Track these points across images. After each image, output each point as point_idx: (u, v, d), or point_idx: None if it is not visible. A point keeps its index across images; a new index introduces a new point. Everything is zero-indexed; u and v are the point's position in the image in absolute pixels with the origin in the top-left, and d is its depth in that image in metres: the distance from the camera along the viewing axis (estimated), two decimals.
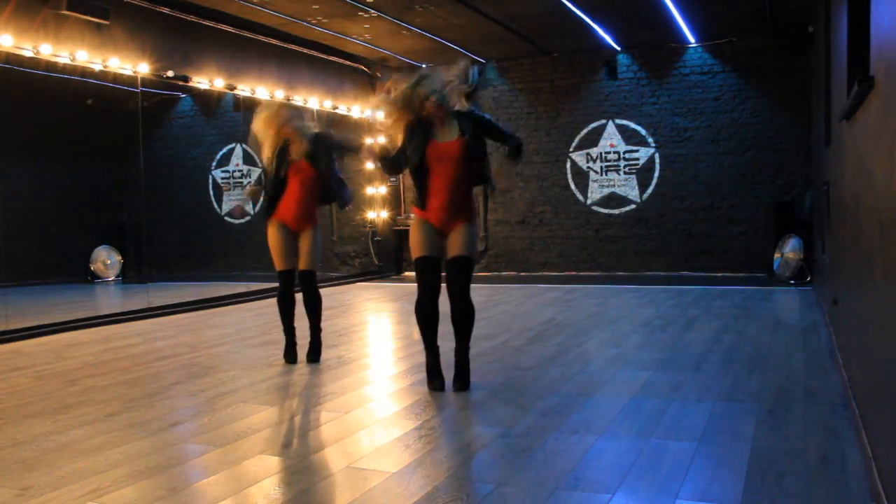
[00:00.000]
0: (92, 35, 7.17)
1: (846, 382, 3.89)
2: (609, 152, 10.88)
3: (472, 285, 4.27)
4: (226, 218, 12.10)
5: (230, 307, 8.47)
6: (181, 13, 8.03)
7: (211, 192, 12.21)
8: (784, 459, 2.92)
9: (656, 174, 10.63)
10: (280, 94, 9.44)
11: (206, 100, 11.86)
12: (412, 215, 4.31)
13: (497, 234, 11.51)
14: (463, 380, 4.18)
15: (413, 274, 4.64)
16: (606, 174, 10.90)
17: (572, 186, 11.08)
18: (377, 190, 11.74)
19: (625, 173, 10.80)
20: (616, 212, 10.87)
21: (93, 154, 11.66)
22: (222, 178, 12.14)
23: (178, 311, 7.97)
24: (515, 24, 9.35)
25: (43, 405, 4.09)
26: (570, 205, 11.10)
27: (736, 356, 4.92)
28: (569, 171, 11.09)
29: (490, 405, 3.86)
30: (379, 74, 11.47)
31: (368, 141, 11.57)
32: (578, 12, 8.84)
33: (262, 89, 9.31)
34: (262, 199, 5.16)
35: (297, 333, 5.17)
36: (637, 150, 10.73)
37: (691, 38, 10.16)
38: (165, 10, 7.86)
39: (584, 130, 10.99)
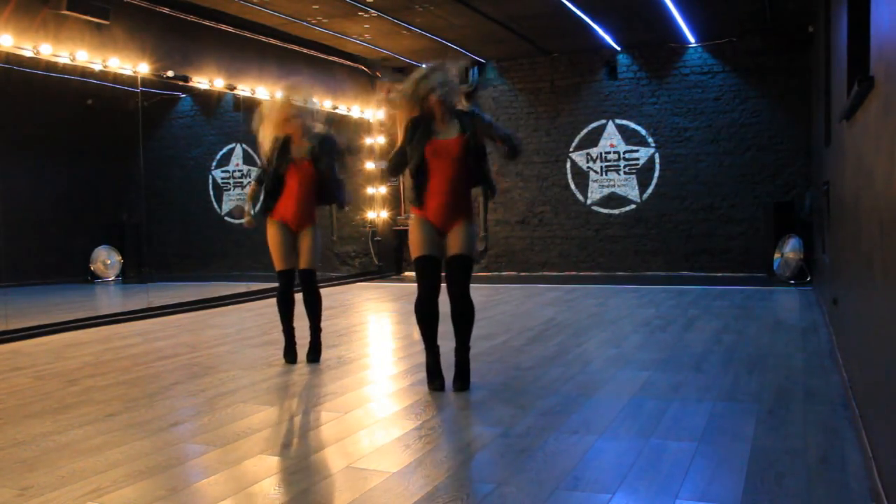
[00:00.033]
0: (92, 35, 7.17)
1: (846, 382, 3.89)
2: (609, 152, 10.88)
3: (472, 285, 4.27)
4: (226, 218, 12.10)
5: (230, 307, 8.47)
6: (181, 13, 8.03)
7: (211, 192, 12.21)
8: (784, 459, 2.92)
9: (656, 174, 10.63)
10: (280, 95, 9.42)
11: (206, 100, 11.86)
12: (412, 215, 4.30)
13: (497, 234, 11.51)
14: (463, 380, 4.18)
15: (413, 274, 4.63)
16: (606, 174, 10.90)
17: (572, 186, 11.08)
18: (377, 190, 11.74)
19: (625, 173, 10.80)
20: (616, 212, 10.87)
21: (93, 154, 11.66)
22: (222, 178, 12.14)
23: (178, 311, 7.97)
24: (515, 24, 9.35)
25: (43, 405, 4.09)
26: (570, 205, 11.10)
27: (736, 356, 4.92)
28: (569, 171, 11.09)
29: (490, 405, 3.86)
30: (379, 74, 11.47)
31: (368, 141, 11.62)
32: (578, 12, 8.84)
33: (262, 89, 9.31)
34: (260, 195, 5.12)
35: (297, 333, 5.17)
36: (637, 150, 10.73)
37: (691, 38, 10.17)
38: (165, 10, 7.86)
39: (584, 130, 10.99)
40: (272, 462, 3.07)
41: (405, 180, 11.76)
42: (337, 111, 10.82)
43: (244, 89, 9.19)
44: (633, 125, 10.73)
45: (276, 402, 4.11)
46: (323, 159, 5.03)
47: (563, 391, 4.09)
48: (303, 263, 5.09)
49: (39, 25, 6.73)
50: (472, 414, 3.78)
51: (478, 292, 4.34)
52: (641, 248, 10.73)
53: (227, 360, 5.30)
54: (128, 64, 7.60)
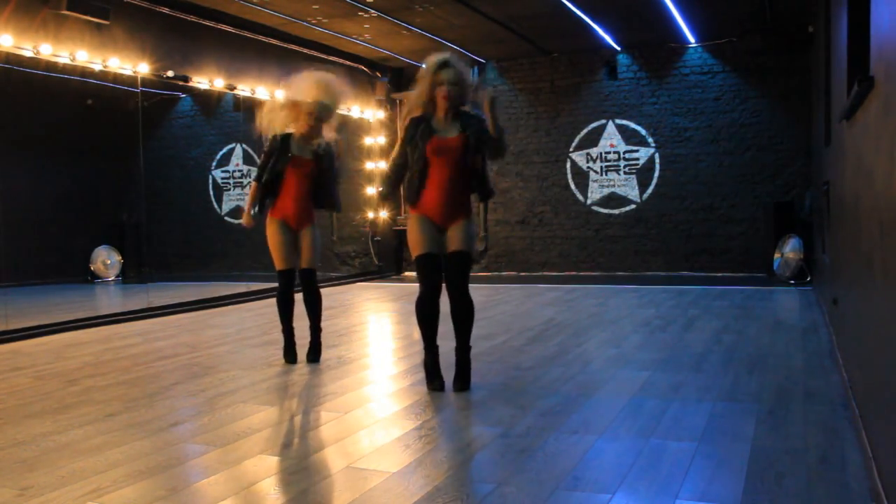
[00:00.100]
0: (92, 35, 7.17)
1: (846, 382, 3.89)
2: (609, 152, 10.89)
3: (473, 285, 4.27)
4: (226, 218, 12.11)
5: (230, 307, 8.47)
6: (181, 13, 8.02)
7: (211, 192, 12.21)
8: (784, 459, 2.91)
9: (656, 174, 10.63)
10: (280, 94, 9.43)
11: (206, 100, 11.86)
12: (410, 213, 4.27)
13: (497, 234, 11.52)
14: (463, 380, 4.18)
15: (413, 273, 4.63)
16: (606, 174, 10.90)
17: (572, 186, 11.08)
18: (377, 190, 11.73)
19: (625, 173, 10.80)
20: (616, 212, 10.87)
21: (93, 154, 11.66)
22: (222, 178, 12.14)
23: (178, 311, 7.97)
24: (515, 24, 9.35)
25: (43, 405, 4.09)
26: (570, 205, 11.10)
27: (736, 356, 4.92)
28: (569, 171, 11.09)
29: (490, 405, 3.86)
30: (379, 74, 11.47)
31: (368, 141, 11.62)
32: (578, 12, 8.84)
33: (262, 89, 9.32)
34: (258, 192, 5.03)
35: (297, 333, 5.16)
36: (637, 150, 10.73)
37: (691, 38, 10.17)
38: (165, 10, 7.86)
39: (584, 130, 10.99)
40: (272, 462, 3.07)
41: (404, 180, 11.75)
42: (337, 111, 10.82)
43: (244, 89, 9.19)
44: (633, 125, 10.73)
45: (276, 402, 4.11)
46: (325, 160, 5.04)
47: (563, 391, 4.09)
48: (303, 263, 5.08)
49: (39, 25, 6.74)
50: (472, 414, 3.78)
51: (478, 292, 4.34)
52: (641, 248, 10.73)
53: (227, 360, 5.30)
54: (128, 64, 7.60)
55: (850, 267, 3.84)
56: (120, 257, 11.95)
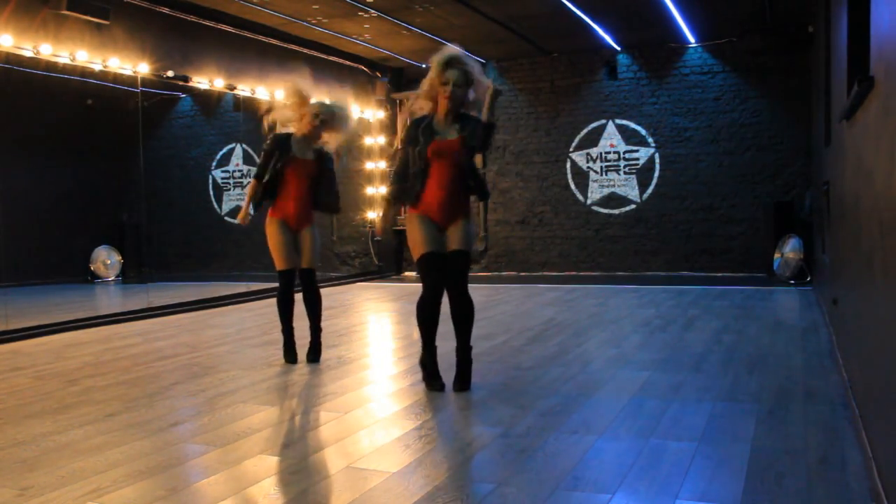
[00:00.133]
0: (92, 35, 7.17)
1: (846, 382, 3.89)
2: (609, 152, 10.89)
3: (473, 285, 4.27)
4: (226, 218, 12.11)
5: (230, 307, 8.47)
6: (181, 13, 8.03)
7: (211, 192, 12.21)
8: (784, 459, 2.91)
9: (656, 174, 10.63)
10: (280, 95, 9.44)
11: (206, 100, 11.87)
12: (409, 213, 4.26)
13: (497, 234, 11.52)
14: (464, 380, 4.17)
15: (413, 273, 4.63)
16: (606, 174, 10.90)
17: (572, 186, 11.08)
18: (377, 190, 11.74)
19: (625, 173, 10.80)
20: (616, 212, 10.87)
21: (93, 154, 11.66)
22: (222, 178, 12.14)
23: (178, 311, 7.97)
24: (515, 24, 9.35)
25: (43, 405, 4.09)
26: (570, 205, 11.10)
27: (736, 356, 4.92)
28: (569, 171, 11.09)
29: (490, 405, 3.86)
30: (379, 74, 11.48)
31: (368, 141, 11.62)
32: (578, 12, 8.84)
33: (262, 89, 9.32)
34: (260, 193, 5.02)
35: (297, 333, 5.16)
36: (637, 150, 10.73)
37: (691, 38, 10.17)
38: (165, 10, 7.86)
39: (584, 130, 10.99)
40: (272, 462, 3.07)
41: None
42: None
43: (244, 89, 9.19)
44: (633, 125, 10.73)
45: (276, 402, 4.11)
46: (326, 161, 5.04)
47: (563, 391, 4.09)
48: (304, 263, 5.08)
49: (39, 25, 6.74)
50: (472, 414, 3.78)
51: (478, 292, 4.34)
52: (641, 248, 10.73)
53: (227, 360, 5.30)
54: (128, 64, 7.60)
55: (850, 267, 3.84)
56: (120, 257, 11.95)
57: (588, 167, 10.99)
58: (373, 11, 8.47)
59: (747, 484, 2.67)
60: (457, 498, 2.62)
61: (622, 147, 10.81)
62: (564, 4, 8.50)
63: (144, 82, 8.14)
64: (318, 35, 9.55)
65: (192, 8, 8.07)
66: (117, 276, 11.88)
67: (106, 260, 11.87)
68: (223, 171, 12.14)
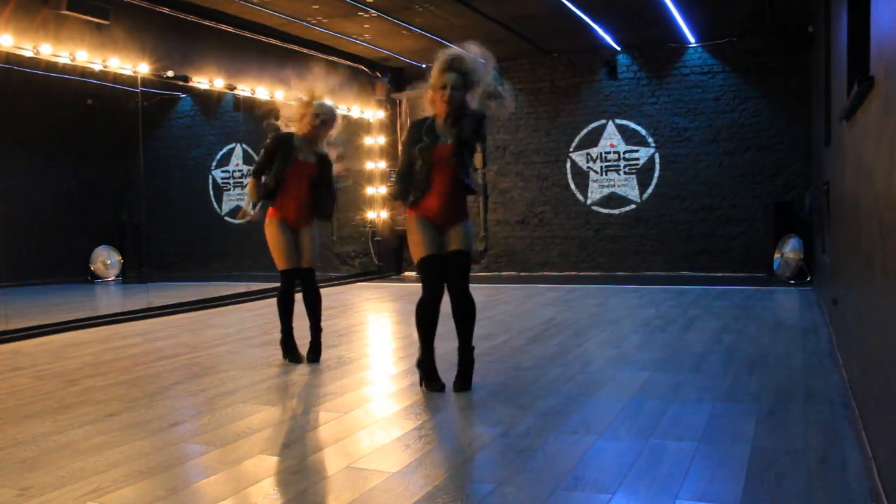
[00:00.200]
0: (92, 35, 7.17)
1: (846, 382, 3.89)
2: (609, 152, 10.89)
3: (473, 285, 4.27)
4: (226, 218, 12.11)
5: (230, 307, 8.47)
6: (181, 13, 8.03)
7: (211, 192, 12.21)
8: (784, 459, 2.91)
9: (656, 174, 10.63)
10: (280, 95, 9.44)
11: (206, 100, 11.87)
12: (409, 215, 4.26)
13: (497, 234, 11.52)
14: (465, 381, 4.18)
15: (413, 273, 4.63)
16: (606, 174, 10.90)
17: (572, 186, 11.08)
18: (377, 190, 11.74)
19: (625, 173, 10.80)
20: (616, 212, 10.87)
21: (93, 154, 11.67)
22: (222, 178, 12.15)
23: (178, 311, 7.97)
24: (515, 24, 9.35)
25: (43, 405, 4.09)
26: (570, 205, 11.10)
27: (736, 356, 4.92)
28: (569, 171, 11.10)
29: (490, 405, 3.86)
30: (379, 74, 11.48)
31: (368, 141, 11.62)
32: (578, 12, 8.84)
33: (262, 89, 9.32)
34: (259, 190, 5.01)
35: (297, 333, 5.16)
36: (637, 150, 10.73)
37: (691, 38, 10.17)
38: (165, 10, 7.86)
39: (584, 130, 10.99)
40: (272, 462, 3.07)
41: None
42: (337, 111, 10.82)
43: (244, 89, 9.19)
44: (633, 125, 10.73)
45: (276, 402, 4.11)
46: (326, 165, 5.05)
47: (563, 391, 4.09)
48: (304, 263, 5.08)
49: (39, 25, 6.73)
50: (472, 414, 3.78)
51: (478, 292, 4.34)
52: (641, 248, 10.73)
53: (227, 360, 5.30)
54: (128, 64, 7.60)
55: (850, 267, 3.84)
56: (120, 257, 11.95)
57: (588, 167, 10.99)
58: (373, 11, 8.47)
59: (747, 484, 2.67)
60: (457, 498, 2.62)
61: (622, 147, 10.81)
62: (564, 4, 8.50)
63: (144, 82, 8.14)
64: (318, 35, 9.54)
65: (192, 8, 8.07)
66: (117, 276, 11.88)
67: (106, 260, 11.88)
68: (223, 171, 12.14)
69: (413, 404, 3.92)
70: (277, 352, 5.24)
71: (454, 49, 4.19)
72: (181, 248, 12.40)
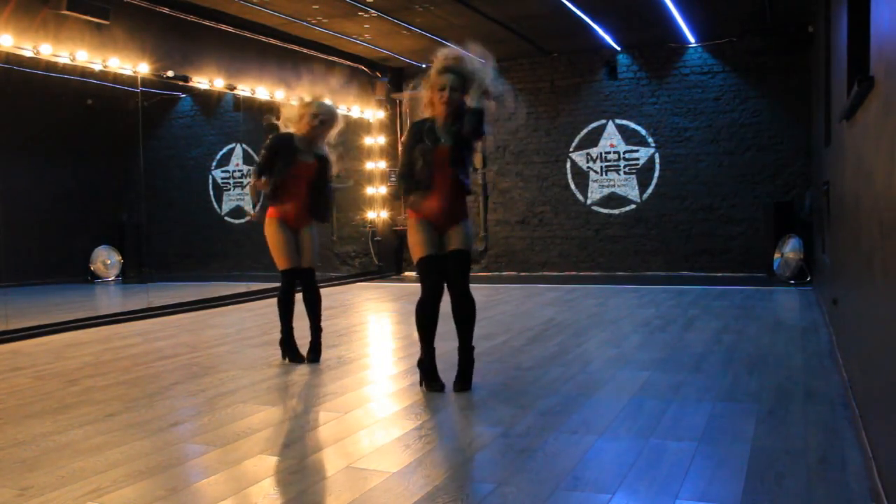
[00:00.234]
0: (92, 35, 7.17)
1: (846, 382, 3.89)
2: (609, 152, 10.89)
3: (473, 285, 4.27)
4: (226, 218, 12.11)
5: (230, 307, 8.47)
6: (181, 13, 8.03)
7: (211, 192, 12.21)
8: (784, 459, 2.92)
9: (656, 174, 10.63)
10: (280, 95, 9.44)
11: (206, 100, 11.87)
12: (409, 218, 4.26)
13: (497, 234, 11.52)
14: (465, 381, 4.18)
15: (413, 274, 4.63)
16: (606, 174, 10.90)
17: (572, 186, 11.08)
18: (377, 190, 11.74)
19: (625, 173, 10.80)
20: (616, 212, 10.87)
21: (93, 154, 11.67)
22: (222, 178, 12.14)
23: (178, 311, 7.97)
24: (515, 24, 9.35)
25: (43, 405, 4.09)
26: (570, 205, 11.10)
27: (736, 356, 4.92)
28: (569, 171, 11.09)
29: (490, 405, 3.86)
30: (379, 74, 11.47)
31: (368, 141, 11.62)
32: (578, 12, 8.84)
33: (262, 89, 9.32)
34: (266, 190, 5.02)
35: (297, 333, 5.16)
36: (637, 150, 10.73)
37: (691, 38, 10.17)
38: (165, 10, 7.86)
39: (584, 130, 10.99)
40: (272, 462, 3.07)
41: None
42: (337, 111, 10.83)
43: (244, 89, 9.19)
44: (633, 125, 10.73)
45: (276, 402, 4.11)
46: (325, 166, 5.05)
47: (563, 391, 4.09)
48: (304, 262, 5.08)
49: (39, 25, 6.73)
50: (472, 414, 3.78)
51: (478, 292, 4.34)
52: (641, 248, 10.73)
53: (227, 360, 5.30)
54: (128, 64, 7.60)
55: (850, 267, 3.84)
56: (120, 257, 11.95)
57: (588, 167, 10.99)
58: (373, 11, 8.47)
59: (747, 484, 2.67)
60: (457, 498, 2.62)
61: (622, 147, 10.81)
62: (564, 4, 8.50)
63: (144, 82, 8.14)
64: (318, 35, 9.54)
65: (192, 8, 8.07)
66: (117, 276, 11.88)
67: (106, 260, 11.87)
68: (223, 171, 12.14)
69: (413, 404, 3.92)
70: (277, 352, 5.24)
71: (451, 50, 4.19)
72: (181, 248, 12.39)
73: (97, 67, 7.38)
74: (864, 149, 3.01)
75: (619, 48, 10.65)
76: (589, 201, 11.00)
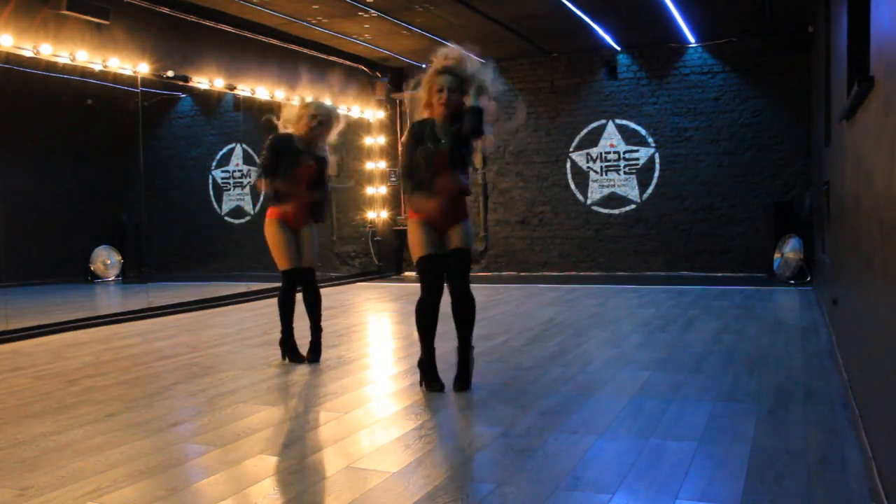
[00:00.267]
0: (92, 35, 7.17)
1: (846, 382, 3.89)
2: (609, 152, 10.88)
3: (472, 285, 4.28)
4: (226, 218, 12.11)
5: (230, 307, 8.47)
6: (181, 13, 8.02)
7: (211, 192, 12.21)
8: (784, 459, 2.92)
9: (656, 174, 10.63)
10: (280, 94, 9.44)
11: (206, 100, 11.87)
12: (410, 219, 4.27)
13: (497, 234, 11.52)
14: (464, 380, 4.18)
15: (413, 274, 4.63)
16: (606, 174, 10.90)
17: (572, 186, 11.08)
18: (377, 190, 11.74)
19: (625, 173, 10.80)
20: (616, 212, 10.87)
21: (93, 154, 11.67)
22: (222, 178, 12.14)
23: (178, 311, 7.97)
24: (515, 24, 9.35)
25: (43, 405, 4.09)
26: (570, 205, 11.10)
27: (736, 356, 4.92)
28: (569, 171, 11.09)
29: (490, 405, 3.86)
30: (379, 74, 11.47)
31: (368, 141, 11.62)
32: (578, 12, 8.84)
33: (262, 89, 9.31)
34: (267, 189, 4.99)
35: (297, 333, 5.16)
36: (637, 150, 10.73)
37: (691, 38, 10.17)
38: (165, 10, 7.86)
39: (584, 130, 10.99)
40: (272, 462, 3.07)
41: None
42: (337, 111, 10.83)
43: (244, 89, 9.19)
44: (633, 125, 10.73)
45: (276, 402, 4.11)
46: (323, 166, 5.06)
47: (563, 391, 4.09)
48: (304, 262, 5.08)
49: (39, 25, 6.73)
50: (472, 414, 3.78)
51: (478, 292, 4.34)
52: (641, 248, 10.73)
53: (227, 360, 5.30)
54: (128, 64, 7.60)
55: (850, 267, 3.84)
56: (120, 257, 11.95)
57: (588, 167, 10.99)
58: (373, 11, 8.47)
59: (747, 484, 2.67)
60: (457, 498, 2.62)
61: (622, 147, 10.81)
62: (564, 4, 8.50)
63: (144, 82, 8.14)
64: (318, 35, 9.54)
65: (192, 8, 8.07)
66: (117, 276, 11.88)
67: (106, 260, 11.87)
68: (223, 171, 12.13)
69: (413, 404, 3.92)
70: (277, 352, 5.24)
71: (450, 50, 4.21)
72: (181, 248, 12.39)
73: (97, 67, 7.38)
74: (864, 149, 3.01)
75: (619, 48, 10.65)
76: (589, 201, 11.00)
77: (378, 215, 11.72)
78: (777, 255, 9.27)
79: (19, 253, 9.89)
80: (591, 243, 11.00)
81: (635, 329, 6.14)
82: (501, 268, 11.53)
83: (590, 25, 9.43)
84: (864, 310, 3.08)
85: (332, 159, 5.19)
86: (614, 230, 10.87)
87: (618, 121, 10.79)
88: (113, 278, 11.82)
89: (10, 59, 6.86)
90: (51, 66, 7.21)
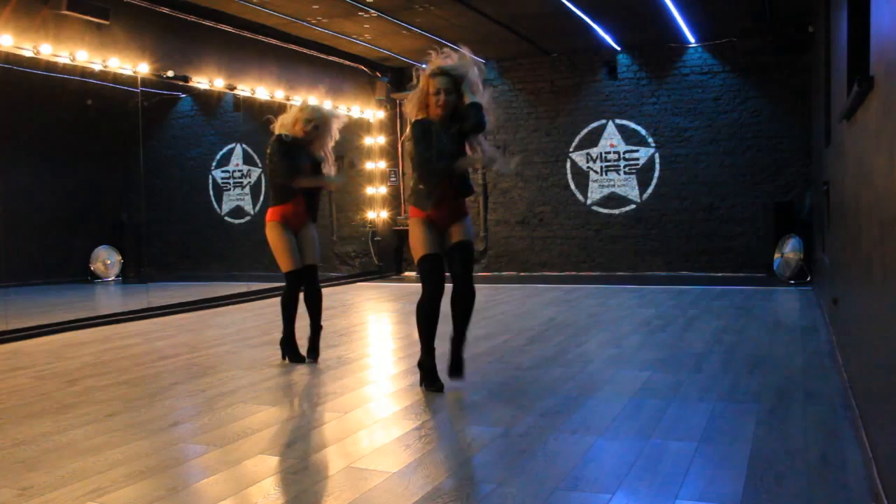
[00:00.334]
0: (92, 35, 7.17)
1: (846, 382, 3.89)
2: (609, 152, 10.88)
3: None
4: (226, 218, 12.11)
5: (230, 307, 8.47)
6: (181, 13, 8.02)
7: (211, 192, 12.21)
8: (784, 459, 2.92)
9: (656, 174, 10.63)
10: (280, 94, 9.44)
11: (206, 100, 11.85)
12: (412, 217, 4.27)
13: (497, 234, 11.51)
14: (458, 368, 4.20)
15: (413, 274, 4.64)
16: (606, 174, 10.90)
17: (572, 186, 11.08)
18: (377, 190, 11.74)
19: (625, 173, 10.80)
20: (616, 212, 10.86)
21: (93, 154, 11.66)
22: (222, 178, 12.14)
23: (178, 311, 7.97)
24: (515, 24, 9.35)
25: (43, 405, 4.09)
26: (570, 205, 11.10)
27: (736, 356, 4.92)
28: (569, 171, 11.09)
29: (490, 405, 3.86)
30: (379, 74, 11.47)
31: (368, 141, 11.62)
32: (578, 12, 8.84)
33: (262, 89, 9.31)
34: (272, 189, 5.05)
35: (297, 333, 5.16)
36: (637, 150, 10.73)
37: (691, 38, 10.17)
38: (165, 10, 7.86)
39: (584, 130, 10.99)
40: (272, 462, 3.07)
41: (405, 181, 11.77)
42: (337, 111, 10.83)
43: (244, 89, 9.19)
44: (633, 125, 10.73)
45: (276, 402, 4.11)
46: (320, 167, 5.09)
47: (563, 391, 4.09)
48: (307, 259, 5.10)
49: (39, 25, 6.73)
50: (472, 414, 3.78)
51: (478, 292, 4.34)
52: (641, 248, 10.73)
53: (227, 360, 5.30)
54: (128, 64, 7.60)
55: (850, 267, 3.84)
56: (120, 257, 11.95)
57: (588, 167, 10.99)
58: (373, 11, 8.47)
59: (747, 484, 2.67)
60: (457, 498, 2.62)
61: (622, 147, 10.80)
62: (564, 4, 8.50)
63: (144, 82, 8.14)
64: (318, 35, 9.54)
65: (192, 8, 8.07)
66: (117, 276, 11.88)
67: (106, 260, 11.87)
68: (223, 171, 12.13)
69: (413, 404, 3.92)
70: (277, 352, 5.24)
71: (444, 52, 4.24)
72: (181, 248, 12.39)
73: (97, 67, 7.38)
74: (864, 149, 3.01)
75: (619, 48, 10.65)
76: (589, 201, 11.00)
77: (378, 215, 11.72)
78: (777, 255, 9.27)
79: (19, 253, 9.89)
80: (591, 243, 11.00)
81: (635, 329, 6.14)
82: (501, 268, 11.53)
83: (590, 25, 9.43)
84: (864, 310, 3.08)
85: (330, 159, 5.20)
86: (614, 230, 10.87)
87: (618, 121, 10.79)
88: (113, 278, 11.81)
89: (10, 59, 6.86)
90: (51, 66, 7.21)
